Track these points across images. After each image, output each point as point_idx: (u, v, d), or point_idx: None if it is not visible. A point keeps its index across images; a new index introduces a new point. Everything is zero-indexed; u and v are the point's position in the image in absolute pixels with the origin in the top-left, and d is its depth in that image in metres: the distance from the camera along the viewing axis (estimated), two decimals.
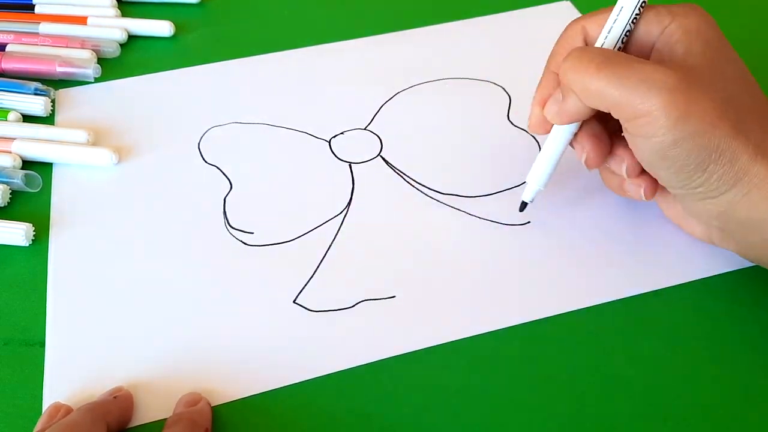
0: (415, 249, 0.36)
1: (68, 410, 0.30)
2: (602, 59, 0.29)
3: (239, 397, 0.31)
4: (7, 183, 0.38)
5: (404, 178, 0.39)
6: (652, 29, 0.31)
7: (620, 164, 0.33)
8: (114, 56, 0.47)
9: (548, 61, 0.34)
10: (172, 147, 0.41)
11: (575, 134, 0.33)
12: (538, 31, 0.47)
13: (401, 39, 0.48)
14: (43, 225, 0.37)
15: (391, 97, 0.44)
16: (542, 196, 0.36)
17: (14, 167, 0.39)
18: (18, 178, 0.38)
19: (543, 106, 0.33)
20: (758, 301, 0.33)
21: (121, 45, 0.48)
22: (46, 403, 0.31)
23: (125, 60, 0.47)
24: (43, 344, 0.33)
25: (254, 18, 0.51)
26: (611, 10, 0.31)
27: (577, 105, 0.31)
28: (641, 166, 0.32)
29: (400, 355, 0.32)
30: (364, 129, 0.42)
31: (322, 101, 0.44)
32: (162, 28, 0.48)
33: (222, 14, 0.51)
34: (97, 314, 0.34)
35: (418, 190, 0.39)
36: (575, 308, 0.33)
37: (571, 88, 0.30)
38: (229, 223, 0.37)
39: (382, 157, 0.40)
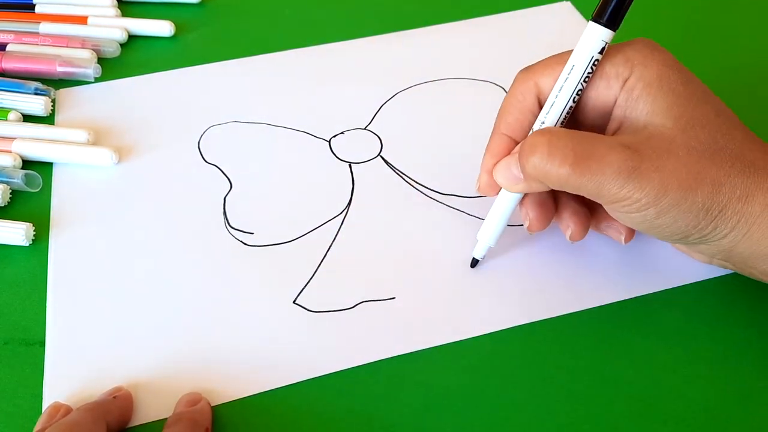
0: (414, 249, 0.36)
1: (68, 410, 0.30)
2: (573, 158, 0.28)
3: (239, 397, 0.31)
4: (7, 183, 0.38)
5: (404, 178, 0.39)
6: (611, 84, 0.30)
7: (566, 229, 0.33)
8: (114, 56, 0.47)
9: (497, 122, 0.33)
10: (172, 146, 0.41)
11: (521, 200, 0.33)
12: (539, 32, 0.47)
13: (401, 39, 0.48)
14: (43, 225, 0.37)
15: (391, 97, 0.44)
16: None
17: (14, 167, 0.39)
18: (18, 178, 0.38)
19: (491, 171, 0.32)
20: (757, 304, 0.33)
21: (122, 45, 0.48)
22: (46, 402, 0.31)
23: (125, 60, 0.47)
24: (43, 344, 0.33)
25: (254, 18, 0.51)
26: (562, 61, 0.30)
27: (540, 188, 0.30)
28: (584, 230, 0.32)
29: (399, 355, 0.32)
30: (364, 129, 0.42)
31: (322, 101, 0.44)
32: (162, 28, 0.48)
33: (222, 14, 0.51)
34: (97, 314, 0.34)
35: (417, 190, 0.39)
36: (574, 310, 0.33)
37: (540, 180, 0.29)
38: (229, 224, 0.37)
39: (381, 157, 0.40)
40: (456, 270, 0.35)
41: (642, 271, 0.35)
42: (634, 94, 0.29)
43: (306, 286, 0.34)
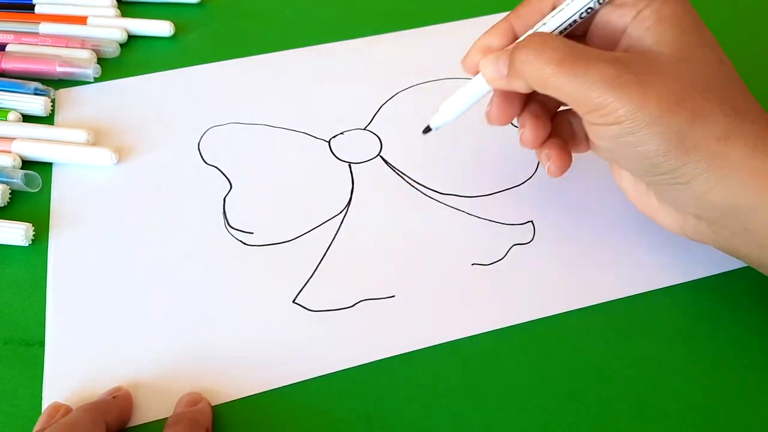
0: (414, 249, 0.36)
1: (67, 410, 0.30)
2: (561, 56, 0.28)
3: (239, 397, 0.31)
4: (6, 183, 0.38)
5: (404, 178, 0.39)
6: (625, 12, 0.30)
7: (521, 129, 0.33)
8: (114, 56, 0.47)
9: (511, 13, 0.33)
10: (171, 147, 0.41)
11: (520, 114, 0.33)
12: None
13: (401, 39, 0.48)
14: (43, 225, 0.37)
15: (391, 97, 0.44)
16: (542, 196, 0.37)
17: (14, 167, 0.39)
18: (18, 178, 0.38)
19: (481, 53, 0.32)
20: (757, 301, 0.33)
21: (121, 45, 0.48)
22: (46, 402, 0.31)
23: (125, 60, 0.47)
24: (42, 344, 0.33)
25: (254, 18, 0.51)
26: None
27: (522, 87, 0.30)
28: (538, 137, 0.33)
29: (399, 354, 0.32)
30: (364, 129, 0.42)
31: (322, 101, 0.44)
32: (162, 28, 0.48)
33: (222, 14, 0.51)
34: (96, 314, 0.34)
35: (417, 190, 0.39)
36: (575, 308, 0.33)
37: (524, 78, 0.29)
38: (228, 223, 0.37)
39: (381, 157, 0.40)
40: (455, 269, 0.35)
41: (642, 269, 0.35)
42: (645, 25, 0.29)
43: (305, 285, 0.34)
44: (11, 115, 0.42)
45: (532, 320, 0.33)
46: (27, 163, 0.40)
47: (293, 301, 0.34)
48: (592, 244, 0.36)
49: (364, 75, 0.45)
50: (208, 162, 0.41)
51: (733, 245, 0.30)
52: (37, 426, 0.29)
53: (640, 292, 0.34)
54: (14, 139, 0.40)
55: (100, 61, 0.47)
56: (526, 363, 0.32)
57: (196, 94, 0.45)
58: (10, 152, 0.40)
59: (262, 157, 0.41)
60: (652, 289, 0.34)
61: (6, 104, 0.43)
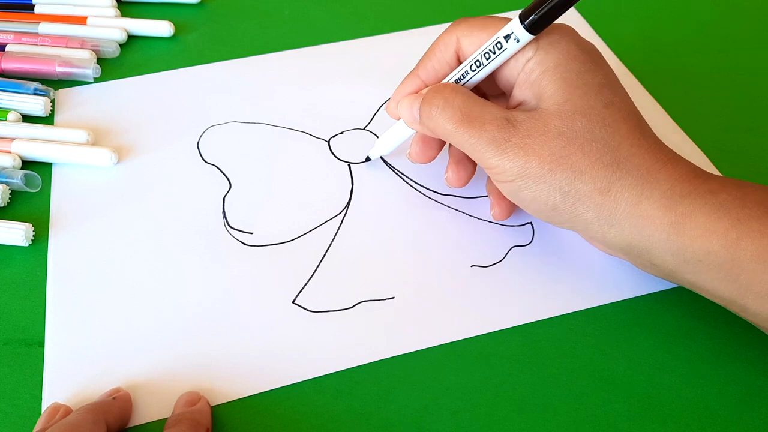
0: (414, 250, 0.36)
1: (67, 411, 0.30)
2: (459, 116, 0.31)
3: (239, 397, 0.31)
4: (6, 183, 0.38)
5: (403, 179, 0.39)
6: (517, 63, 0.31)
7: (446, 173, 0.36)
8: (114, 56, 0.47)
9: (419, 62, 0.35)
10: (171, 146, 0.41)
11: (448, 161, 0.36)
12: None
13: (401, 39, 0.48)
14: (43, 225, 0.37)
15: (389, 100, 0.43)
16: None
17: (14, 167, 0.39)
18: (18, 178, 0.38)
19: (398, 102, 0.35)
20: None
21: (121, 45, 0.48)
22: (46, 403, 0.31)
23: (125, 60, 0.47)
24: (42, 344, 0.33)
25: (254, 18, 0.51)
26: (486, 26, 0.32)
27: (431, 134, 0.33)
28: (460, 179, 0.36)
29: (400, 355, 0.32)
30: (363, 129, 0.42)
31: (322, 101, 0.44)
32: (162, 28, 0.48)
33: (222, 14, 0.51)
34: (96, 314, 0.34)
35: (417, 190, 0.39)
36: (574, 310, 0.33)
37: (429, 128, 0.33)
38: (228, 224, 0.37)
39: (381, 157, 0.40)
40: (455, 270, 0.35)
41: (641, 272, 0.35)
42: (531, 77, 0.31)
43: (305, 286, 0.34)
44: (11, 115, 0.42)
45: (531, 322, 0.33)
46: (27, 163, 0.40)
47: (293, 302, 0.34)
48: (591, 246, 0.36)
49: (364, 75, 0.45)
50: (207, 161, 0.40)
51: (653, 273, 0.31)
52: (37, 426, 0.29)
53: (639, 295, 0.34)
54: (14, 139, 0.40)
55: (100, 61, 0.47)
56: (526, 364, 0.32)
57: (195, 94, 0.45)
58: (10, 152, 0.40)
59: (262, 156, 0.41)
60: (651, 292, 0.34)
61: (6, 104, 0.43)
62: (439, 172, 0.39)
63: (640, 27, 0.49)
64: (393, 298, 0.34)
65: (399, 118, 0.36)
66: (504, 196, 0.34)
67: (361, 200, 0.38)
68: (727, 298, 0.29)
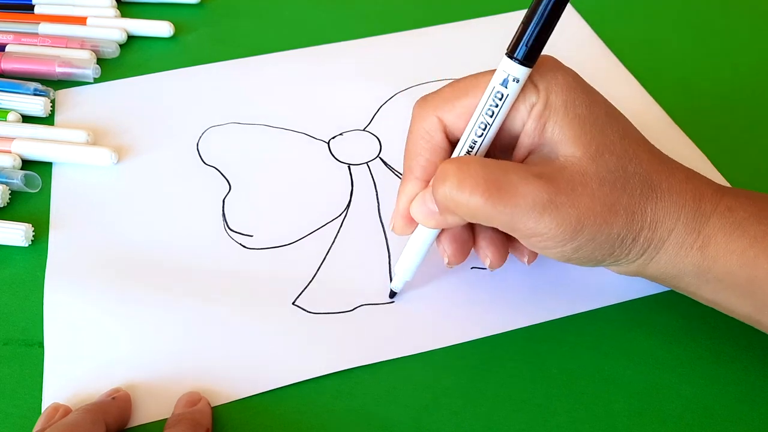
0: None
1: (67, 411, 0.30)
2: (484, 186, 0.27)
3: (239, 398, 0.31)
4: (6, 183, 0.38)
5: None
6: (519, 111, 0.29)
7: (485, 259, 0.32)
8: (113, 56, 0.47)
9: (408, 165, 0.31)
10: (171, 147, 0.41)
11: (438, 235, 0.32)
12: None
13: (401, 39, 0.48)
14: (43, 225, 0.37)
15: (390, 98, 0.44)
16: None
17: (14, 167, 0.39)
18: (17, 179, 0.38)
19: (405, 215, 0.31)
20: None
21: (121, 45, 0.48)
22: (46, 403, 0.31)
23: (125, 60, 0.47)
24: (42, 344, 0.33)
25: (254, 18, 0.51)
26: (468, 89, 0.29)
27: (457, 221, 0.29)
28: (502, 258, 0.32)
29: (400, 357, 0.32)
30: (363, 130, 0.42)
31: (321, 102, 0.44)
32: (161, 28, 0.48)
33: (222, 14, 0.51)
34: (96, 314, 0.34)
35: None
36: (575, 312, 0.33)
37: (452, 211, 0.28)
38: (228, 226, 0.37)
39: (381, 158, 0.40)
40: (455, 273, 0.35)
41: None
42: (542, 122, 0.28)
43: (306, 288, 0.34)
44: (11, 116, 0.42)
45: (531, 325, 0.33)
46: (27, 163, 0.40)
47: (293, 303, 0.34)
48: None
49: (364, 76, 0.45)
50: (207, 162, 0.40)
51: (669, 287, 0.31)
52: (37, 426, 0.29)
53: (640, 296, 0.34)
54: (14, 139, 0.40)
55: (100, 61, 0.47)
56: (526, 365, 0.32)
57: (195, 94, 0.45)
58: (10, 152, 0.40)
59: (261, 157, 0.41)
60: (651, 293, 0.34)
61: (6, 105, 0.43)
62: None
63: (639, 27, 0.49)
64: (392, 301, 0.34)
65: (412, 231, 0.32)
66: (498, 247, 0.32)
67: (361, 202, 0.38)
68: (743, 314, 0.29)
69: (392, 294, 0.34)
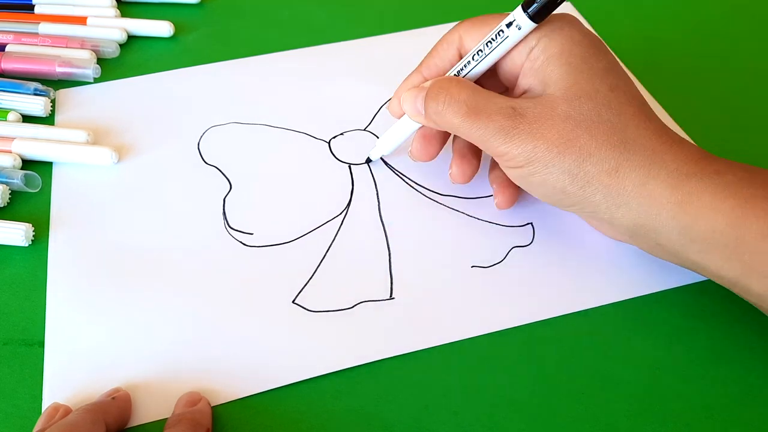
0: (414, 250, 0.36)
1: (67, 411, 0.30)
2: (466, 109, 0.31)
3: (238, 397, 0.31)
4: (6, 183, 0.38)
5: (404, 180, 0.39)
6: (520, 52, 0.32)
7: (450, 168, 0.37)
8: (113, 56, 0.47)
9: (421, 62, 0.36)
10: (171, 147, 0.41)
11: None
12: None
13: (401, 39, 0.48)
14: (43, 225, 0.37)
15: (391, 98, 0.44)
16: None
17: (14, 167, 0.39)
18: (18, 178, 0.38)
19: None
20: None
21: (121, 45, 0.48)
22: (46, 403, 0.31)
23: (125, 60, 0.47)
24: (42, 344, 0.33)
25: (254, 18, 0.51)
26: (491, 22, 0.33)
27: (437, 127, 0.34)
28: (464, 174, 0.36)
29: (400, 355, 0.32)
30: (364, 130, 0.42)
31: (322, 102, 0.44)
32: (162, 28, 0.48)
33: (222, 14, 0.51)
34: (96, 314, 0.34)
35: (417, 191, 0.39)
36: (574, 310, 0.33)
37: (435, 122, 0.33)
38: (228, 224, 0.37)
39: (381, 158, 0.40)
40: (455, 270, 0.35)
41: (642, 272, 0.35)
42: (536, 64, 0.31)
43: (305, 286, 0.34)
44: (11, 116, 0.42)
45: (531, 322, 0.33)
46: (27, 163, 0.40)
47: (293, 302, 0.34)
48: (591, 247, 0.36)
49: (364, 75, 0.45)
50: (207, 162, 0.41)
51: (657, 254, 0.32)
52: (37, 426, 0.29)
53: (639, 295, 0.34)
54: (14, 138, 0.40)
55: (100, 61, 0.47)
56: (526, 364, 0.32)
57: (195, 94, 0.45)
58: (10, 152, 0.40)
59: (262, 157, 0.41)
60: (651, 292, 0.34)
61: (6, 104, 0.43)
62: (439, 173, 0.39)
63: (639, 26, 0.49)
64: (393, 298, 0.34)
65: (401, 116, 0.37)
66: (508, 185, 0.35)
67: (362, 201, 0.38)
68: (731, 278, 0.29)
69: (368, 160, 0.40)
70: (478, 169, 0.37)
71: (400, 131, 0.38)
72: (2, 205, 0.38)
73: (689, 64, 0.46)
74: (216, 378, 0.31)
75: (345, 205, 0.38)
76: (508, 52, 0.32)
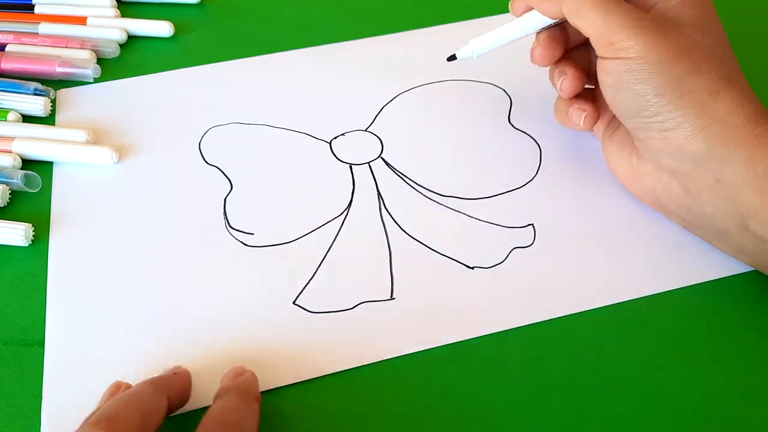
0: (415, 250, 0.36)
1: (128, 386, 0.30)
2: (605, 2, 0.32)
3: None
4: (6, 183, 0.38)
5: (405, 180, 0.39)
6: None
7: (558, 79, 0.37)
8: (113, 56, 0.47)
9: None
10: (172, 147, 0.41)
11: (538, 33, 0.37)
12: None
13: (402, 40, 0.48)
14: (43, 225, 0.37)
15: (392, 99, 0.44)
16: (543, 199, 0.37)
17: (14, 167, 0.39)
18: (18, 178, 0.38)
19: None
20: (756, 304, 0.33)
21: (121, 45, 0.48)
22: (46, 403, 0.31)
23: (125, 60, 0.47)
24: (42, 344, 0.33)
25: (254, 18, 0.51)
26: None
27: (556, 13, 0.34)
28: (574, 86, 0.37)
29: (400, 356, 0.32)
30: (365, 130, 0.42)
31: (323, 102, 0.44)
32: (162, 28, 0.48)
33: (222, 14, 0.51)
34: (96, 314, 0.34)
35: (418, 192, 0.39)
36: (575, 311, 0.33)
37: (561, 4, 0.33)
38: (229, 224, 0.37)
39: (382, 158, 0.40)
40: (456, 271, 0.35)
41: (642, 273, 0.35)
42: (671, 3, 0.33)
43: (306, 286, 0.34)
44: (11, 116, 0.42)
45: (532, 323, 0.33)
46: (27, 163, 0.40)
47: (294, 303, 0.34)
48: (592, 248, 0.36)
49: (366, 76, 0.45)
50: (209, 162, 0.40)
51: (701, 202, 0.33)
52: (100, 402, 0.29)
53: (640, 296, 0.34)
54: (14, 138, 0.40)
55: (100, 61, 0.47)
56: (527, 366, 0.32)
57: (196, 95, 0.44)
58: (10, 152, 0.40)
59: (263, 157, 0.41)
60: (651, 294, 0.34)
61: (6, 104, 0.43)
62: (440, 173, 0.39)
63: None
64: (394, 299, 0.34)
65: (521, 13, 0.37)
66: (581, 71, 0.36)
67: (363, 201, 0.38)
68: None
69: (452, 58, 0.39)
70: (560, 56, 0.37)
71: (511, 30, 0.37)
72: (2, 205, 0.38)
73: None
74: (216, 378, 0.31)
75: (346, 206, 0.38)
76: None
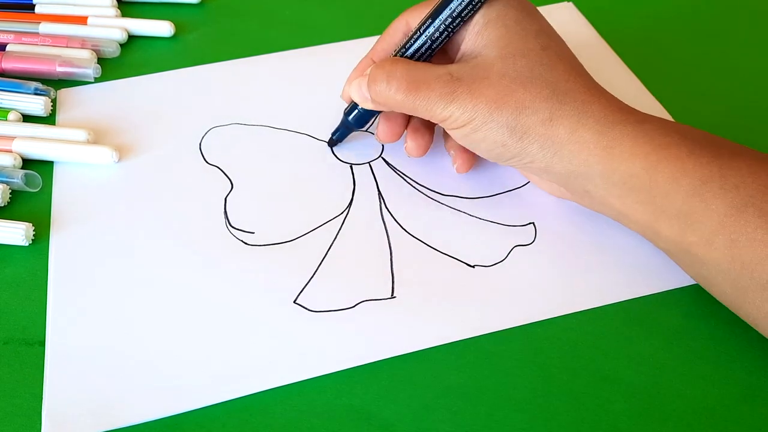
0: (415, 249, 0.36)
1: None
2: (405, 84, 0.33)
3: (239, 396, 0.31)
4: (7, 182, 0.38)
5: (405, 180, 0.39)
6: (467, 25, 0.34)
7: (406, 143, 0.38)
8: (114, 56, 0.47)
9: (372, 48, 0.38)
10: (172, 146, 0.41)
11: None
12: None
13: None
14: (44, 224, 0.37)
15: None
16: (544, 198, 0.37)
17: (14, 167, 0.39)
18: (18, 178, 0.38)
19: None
20: None
21: (121, 45, 0.48)
22: (46, 403, 0.31)
23: (125, 60, 0.47)
24: (43, 344, 0.33)
25: (254, 18, 0.51)
26: (427, 6, 0.35)
27: (385, 108, 0.36)
28: (420, 147, 0.38)
29: (400, 355, 0.32)
30: (365, 130, 0.42)
31: (323, 102, 0.44)
32: (162, 28, 0.48)
33: (222, 14, 0.51)
34: (97, 313, 0.34)
35: (419, 191, 0.39)
36: (575, 310, 0.33)
37: (381, 103, 0.35)
38: (229, 223, 0.37)
39: (383, 158, 0.40)
40: (457, 270, 0.35)
41: (642, 272, 0.35)
42: (475, 30, 0.34)
43: (306, 285, 0.35)
44: (11, 115, 0.42)
45: (533, 322, 0.33)
46: (27, 162, 0.40)
47: (294, 302, 0.34)
48: (593, 247, 0.36)
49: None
50: (209, 162, 0.41)
51: (586, 204, 0.34)
52: None
53: (640, 296, 0.34)
54: (14, 138, 0.40)
55: (100, 61, 0.47)
56: (527, 364, 0.32)
57: (196, 95, 0.45)
58: (10, 151, 0.40)
59: (264, 157, 0.41)
60: (652, 293, 0.34)
61: (6, 104, 0.43)
62: (441, 173, 0.39)
63: (639, 25, 0.49)
64: (394, 297, 0.34)
65: (351, 103, 0.38)
66: (464, 149, 0.37)
67: (363, 200, 0.38)
68: (644, 222, 0.32)
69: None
70: (431, 141, 0.38)
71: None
72: (2, 205, 0.38)
73: (689, 63, 0.47)
74: (216, 376, 0.31)
75: (346, 205, 0.38)
76: (459, 32, 0.34)
